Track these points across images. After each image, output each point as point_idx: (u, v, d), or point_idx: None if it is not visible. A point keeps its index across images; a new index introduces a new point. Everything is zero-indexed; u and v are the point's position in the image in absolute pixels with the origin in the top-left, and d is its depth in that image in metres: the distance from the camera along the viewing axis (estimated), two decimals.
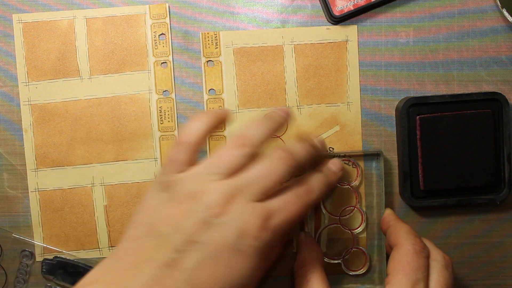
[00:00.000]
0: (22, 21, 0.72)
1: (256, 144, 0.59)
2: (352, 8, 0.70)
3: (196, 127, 0.60)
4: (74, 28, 0.72)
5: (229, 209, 0.55)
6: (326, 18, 0.72)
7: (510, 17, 0.70)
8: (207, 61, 0.72)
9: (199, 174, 0.57)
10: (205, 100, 0.72)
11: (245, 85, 0.72)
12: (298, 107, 0.72)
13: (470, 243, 0.73)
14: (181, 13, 0.72)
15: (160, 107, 0.72)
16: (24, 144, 0.72)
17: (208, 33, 0.72)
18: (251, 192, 0.57)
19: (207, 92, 0.72)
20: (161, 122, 0.72)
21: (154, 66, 0.72)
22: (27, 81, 0.72)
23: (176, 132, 0.72)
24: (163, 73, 0.72)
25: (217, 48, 0.72)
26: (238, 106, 0.72)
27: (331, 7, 0.70)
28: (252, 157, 0.59)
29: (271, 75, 0.72)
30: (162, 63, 0.72)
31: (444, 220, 0.73)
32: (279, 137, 0.72)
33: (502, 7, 0.70)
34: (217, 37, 0.72)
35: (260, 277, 0.58)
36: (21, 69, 0.72)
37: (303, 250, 0.67)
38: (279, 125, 0.63)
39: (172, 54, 0.72)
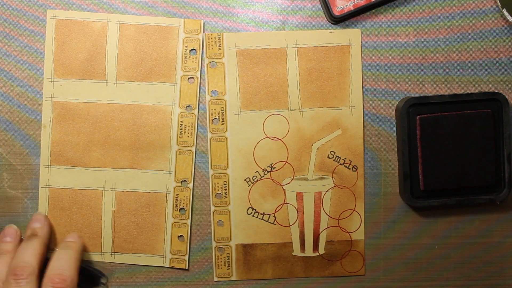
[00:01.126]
0: (55, 17, 0.72)
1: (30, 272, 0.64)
2: (352, 8, 0.70)
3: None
4: (107, 32, 0.72)
5: None
6: (326, 18, 0.72)
7: (510, 17, 0.70)
8: (210, 62, 0.72)
9: None
10: (207, 101, 0.72)
11: (247, 87, 0.72)
12: (300, 110, 0.72)
13: (470, 243, 0.74)
14: (181, 13, 0.72)
15: (181, 122, 0.72)
16: (41, 140, 0.72)
17: (211, 34, 0.72)
18: None
19: (210, 93, 0.72)
20: (180, 136, 0.72)
21: (181, 80, 0.72)
22: (52, 78, 0.72)
23: (193, 148, 0.72)
24: (189, 88, 0.72)
25: (220, 49, 0.72)
26: (240, 108, 0.72)
27: (331, 7, 0.70)
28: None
29: (273, 78, 0.72)
30: (189, 78, 0.72)
31: (444, 220, 0.74)
32: (280, 139, 0.72)
33: (502, 7, 0.70)
34: (221, 38, 0.72)
35: None
36: (48, 65, 0.72)
37: None
38: (43, 245, 0.69)
39: (201, 71, 0.72)
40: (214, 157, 0.72)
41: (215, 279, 0.73)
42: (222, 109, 0.72)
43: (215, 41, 0.72)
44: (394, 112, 0.73)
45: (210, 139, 0.72)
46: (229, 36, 0.72)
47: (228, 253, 0.73)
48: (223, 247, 0.73)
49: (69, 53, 0.72)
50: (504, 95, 0.70)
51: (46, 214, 0.72)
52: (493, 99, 0.70)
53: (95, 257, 0.73)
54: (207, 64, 0.72)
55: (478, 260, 0.74)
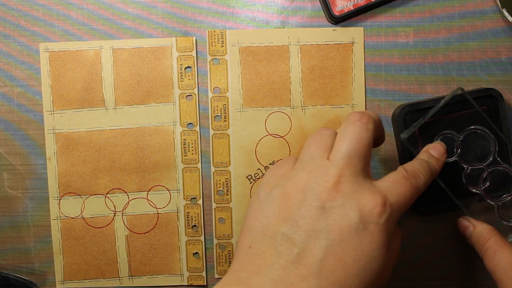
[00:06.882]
0: (48, 50, 0.72)
1: None
2: (352, 8, 0.70)
3: None
4: (101, 59, 0.72)
5: (341, 189, 0.53)
6: (326, 18, 0.72)
7: (510, 17, 0.70)
8: (213, 59, 0.72)
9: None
10: (209, 98, 0.72)
11: (250, 84, 0.72)
12: (303, 107, 0.72)
13: None
14: (180, 14, 0.72)
15: (184, 139, 0.72)
16: (48, 172, 0.73)
17: (214, 31, 0.72)
18: (352, 167, 0.55)
19: (212, 91, 0.72)
20: (185, 154, 0.73)
21: (179, 99, 0.73)
22: (52, 110, 0.72)
23: (199, 165, 0.73)
24: (188, 106, 0.73)
25: (223, 46, 0.72)
26: (242, 105, 0.72)
27: (331, 7, 0.70)
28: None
29: (276, 75, 0.72)
30: (187, 95, 0.73)
31: (444, 220, 0.73)
32: (282, 137, 0.72)
33: (502, 7, 0.70)
34: (224, 35, 0.72)
35: (390, 269, 0.55)
36: (47, 97, 0.72)
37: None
38: None
39: (198, 87, 0.73)
40: (216, 154, 0.72)
41: (216, 276, 0.73)
42: (224, 106, 0.72)
43: (218, 38, 0.72)
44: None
45: (212, 136, 0.72)
46: (232, 33, 0.72)
47: (230, 250, 0.72)
48: (224, 244, 0.72)
49: (66, 84, 0.72)
50: (498, 90, 0.70)
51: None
52: (488, 96, 0.70)
53: (113, 283, 0.73)
54: (209, 61, 0.72)
55: (479, 260, 0.74)
